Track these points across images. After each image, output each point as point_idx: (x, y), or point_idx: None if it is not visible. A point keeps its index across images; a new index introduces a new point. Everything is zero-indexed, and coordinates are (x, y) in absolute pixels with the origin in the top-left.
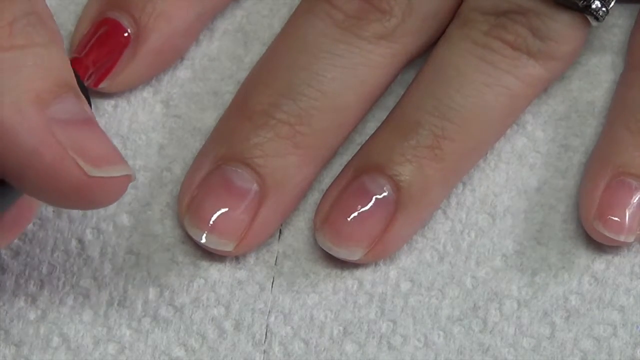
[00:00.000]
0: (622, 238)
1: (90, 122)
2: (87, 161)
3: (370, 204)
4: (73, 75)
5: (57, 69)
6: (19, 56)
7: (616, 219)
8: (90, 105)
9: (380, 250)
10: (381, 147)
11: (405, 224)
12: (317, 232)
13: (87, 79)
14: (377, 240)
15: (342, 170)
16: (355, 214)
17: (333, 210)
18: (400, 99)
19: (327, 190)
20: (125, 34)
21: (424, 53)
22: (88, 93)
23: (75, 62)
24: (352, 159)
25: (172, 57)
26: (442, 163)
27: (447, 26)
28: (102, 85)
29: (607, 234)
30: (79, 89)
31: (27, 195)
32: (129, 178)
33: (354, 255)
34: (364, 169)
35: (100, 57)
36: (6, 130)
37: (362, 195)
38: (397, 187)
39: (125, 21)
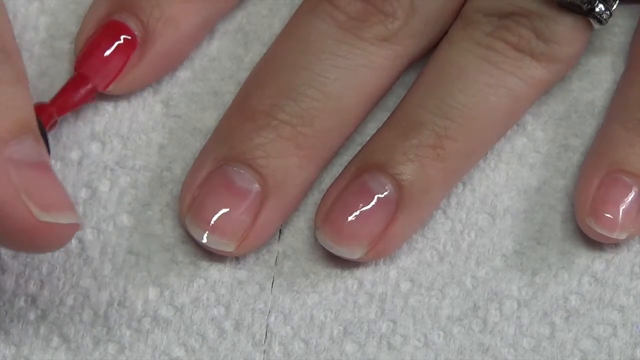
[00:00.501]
0: (615, 235)
1: (45, 167)
2: (38, 205)
3: (372, 202)
4: (34, 117)
5: (19, 109)
6: None
7: (609, 216)
8: (49, 151)
9: (380, 249)
10: (383, 146)
11: (406, 223)
12: (318, 231)
13: (53, 127)
14: (378, 239)
15: (343, 169)
16: (357, 212)
17: (334, 209)
18: (403, 98)
19: (328, 188)
20: (133, 38)
21: (426, 55)
22: (48, 139)
23: (39, 109)
24: (354, 157)
25: (176, 61)
26: (444, 163)
27: (449, 28)
28: (109, 89)
29: (600, 230)
30: (38, 133)
31: None
32: (76, 227)
33: (355, 254)
34: (365, 168)
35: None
36: None
37: (363, 194)
38: (398, 186)
39: (132, 24)
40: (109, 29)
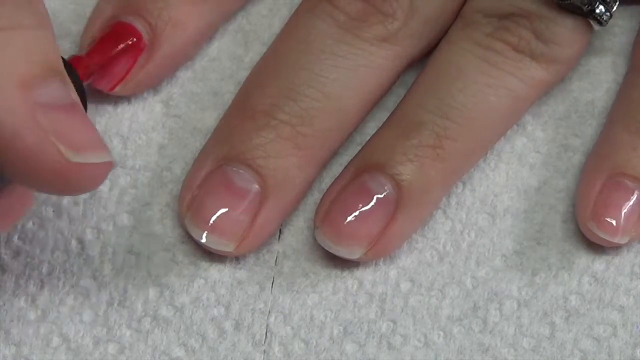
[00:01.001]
0: (616, 239)
1: (74, 108)
2: (68, 146)
3: (371, 203)
4: (60, 59)
5: (43, 52)
6: (4, 38)
7: (611, 220)
8: (86, 104)
9: (380, 249)
10: (382, 146)
11: (406, 223)
12: (317, 231)
13: (89, 78)
14: (377, 239)
15: (343, 169)
16: (356, 212)
17: (333, 209)
18: (403, 98)
19: (327, 189)
20: (140, 40)
21: (425, 55)
22: (84, 92)
23: (75, 60)
24: (353, 157)
25: (181, 63)
26: (443, 163)
27: (448, 29)
28: (116, 90)
29: (601, 235)
30: (65, 75)
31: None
32: (109, 165)
33: (354, 254)
34: (365, 168)
35: (110, 60)
36: None
37: (362, 194)
38: (397, 187)
39: (140, 26)
40: (116, 31)
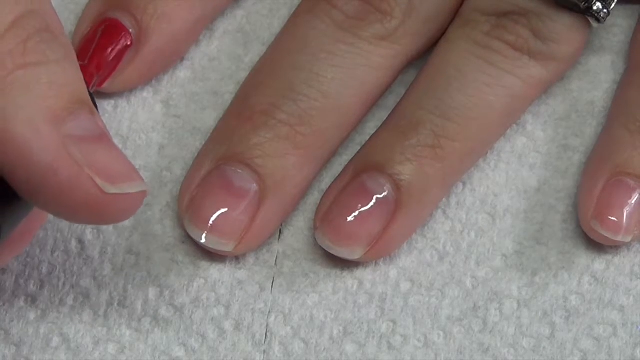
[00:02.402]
0: (619, 238)
1: (105, 138)
2: (103, 178)
3: (371, 203)
4: (86, 90)
5: (71, 85)
6: (33, 73)
7: (614, 218)
8: (97, 108)
9: (380, 249)
10: (381, 146)
11: (405, 223)
12: (317, 231)
13: (92, 85)
14: (377, 239)
15: (342, 170)
16: (356, 213)
17: (333, 209)
18: (401, 98)
19: (327, 189)
20: (127, 35)
21: (424, 54)
22: (95, 102)
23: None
24: (352, 158)
25: (172, 59)
26: (442, 162)
27: (447, 27)
28: (104, 86)
29: (604, 233)
30: (92, 105)
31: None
32: (144, 194)
33: (354, 255)
34: (364, 168)
35: (103, 59)
36: (21, 147)
37: (362, 194)
38: (397, 187)
39: (126, 21)
40: (103, 27)
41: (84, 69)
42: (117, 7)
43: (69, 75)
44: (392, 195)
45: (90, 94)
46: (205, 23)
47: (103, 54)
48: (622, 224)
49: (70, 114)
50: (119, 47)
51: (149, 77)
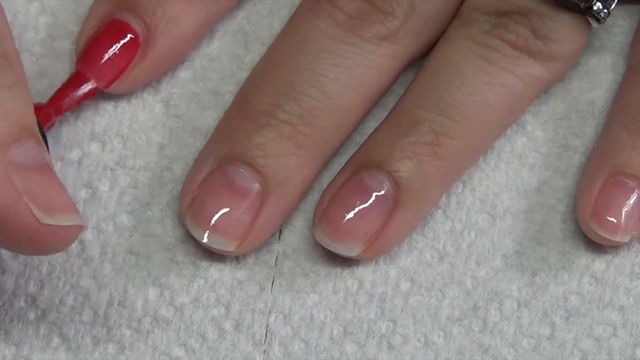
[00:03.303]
0: (617, 238)
1: (46, 169)
2: (41, 208)
3: (370, 200)
4: (35, 120)
5: (19, 112)
6: None
7: (612, 219)
8: (48, 151)
9: (378, 247)
10: (381, 143)
11: (404, 220)
12: (316, 228)
13: (47, 126)
14: (376, 236)
15: (342, 167)
16: (354, 210)
17: (332, 206)
18: (401, 96)
19: (326, 186)
20: (135, 37)
21: (425, 54)
22: (47, 139)
23: (36, 109)
24: (352, 155)
25: (177, 61)
26: (441, 160)
27: (447, 27)
28: (111, 88)
29: (602, 234)
30: (39, 135)
31: None
32: (79, 228)
33: (352, 252)
34: (363, 166)
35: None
36: None
37: (361, 191)
38: (396, 184)
39: (135, 23)
40: (111, 28)
41: (41, 107)
42: (125, 9)
43: (18, 103)
44: (390, 193)
45: (42, 132)
46: (210, 26)
47: (106, 54)
48: (620, 224)
49: (15, 141)
50: (126, 48)
51: (153, 79)
